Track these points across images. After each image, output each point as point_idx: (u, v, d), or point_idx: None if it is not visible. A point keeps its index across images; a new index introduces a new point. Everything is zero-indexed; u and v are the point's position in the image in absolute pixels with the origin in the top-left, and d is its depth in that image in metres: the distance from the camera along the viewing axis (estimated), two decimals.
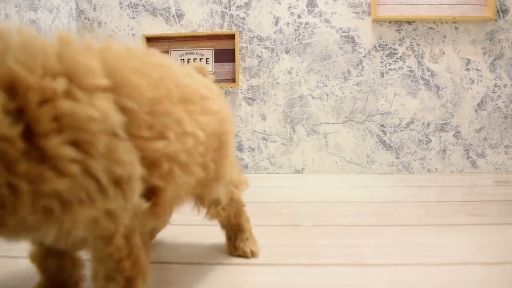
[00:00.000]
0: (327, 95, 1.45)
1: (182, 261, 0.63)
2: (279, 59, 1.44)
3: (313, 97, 1.45)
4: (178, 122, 0.43)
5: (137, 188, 0.38)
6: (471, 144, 1.46)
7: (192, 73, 0.54)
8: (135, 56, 0.43)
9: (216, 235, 0.70)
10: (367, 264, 0.60)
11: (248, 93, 1.45)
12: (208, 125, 0.49)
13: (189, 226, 0.80)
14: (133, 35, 1.48)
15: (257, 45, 1.45)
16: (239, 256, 0.65)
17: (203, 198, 0.57)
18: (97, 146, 0.34)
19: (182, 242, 0.73)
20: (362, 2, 1.42)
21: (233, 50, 1.43)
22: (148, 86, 0.41)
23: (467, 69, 1.44)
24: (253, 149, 1.47)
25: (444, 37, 1.43)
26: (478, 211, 0.92)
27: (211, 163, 0.52)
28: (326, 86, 1.44)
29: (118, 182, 0.36)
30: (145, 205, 0.41)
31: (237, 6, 1.44)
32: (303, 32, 1.44)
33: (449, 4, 1.41)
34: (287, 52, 1.44)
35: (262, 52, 1.44)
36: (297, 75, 1.44)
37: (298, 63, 1.44)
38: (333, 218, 0.87)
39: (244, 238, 0.66)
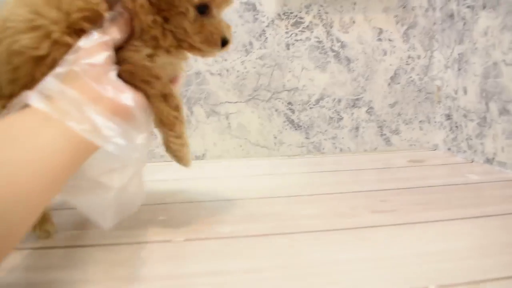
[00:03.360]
0: (227, 70, 1.28)
1: None
2: None
3: (211, 74, 1.28)
4: None
5: None
6: (384, 121, 1.36)
7: None
8: None
9: None
10: None
11: None
12: None
13: None
14: None
15: None
16: None
17: None
18: None
19: None
20: None
21: None
22: None
23: (379, 39, 1.33)
24: None
25: (355, 4, 1.30)
26: (385, 204, 0.81)
27: None
28: (225, 60, 1.27)
29: None
30: None
31: None
32: None
33: None
34: None
35: None
36: None
37: None
38: (216, 226, 0.71)
39: None
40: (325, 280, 0.51)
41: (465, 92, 1.21)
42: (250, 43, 1.28)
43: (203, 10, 0.60)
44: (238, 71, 1.28)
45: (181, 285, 0.51)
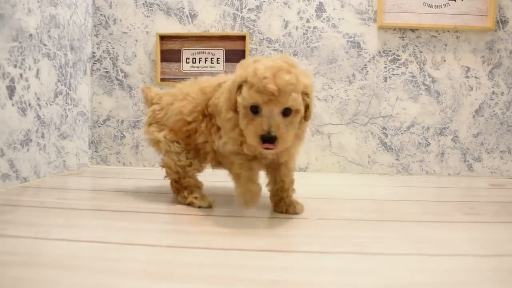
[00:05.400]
0: (332, 97, 1.51)
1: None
2: None
3: (318, 99, 1.51)
4: None
5: None
6: (468, 148, 1.53)
7: None
8: None
9: None
10: (371, 253, 0.66)
11: None
12: None
13: None
14: (147, 33, 1.53)
15: (267, 47, 1.50)
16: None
17: None
18: None
19: None
20: (369, 9, 1.49)
21: (244, 51, 1.49)
22: None
23: (467, 77, 1.51)
24: None
25: (446, 45, 1.50)
26: (474, 210, 0.98)
27: None
28: (331, 88, 1.51)
29: None
30: None
31: (249, 9, 1.50)
32: (311, 36, 1.50)
33: (451, 14, 1.47)
34: (295, 54, 1.50)
35: (271, 54, 1.50)
36: None
37: (306, 65, 1.50)
38: (337, 213, 0.92)
39: None
40: (432, 246, 0.70)
41: None
42: (353, 75, 1.50)
43: (255, 110, 0.74)
44: (341, 98, 1.51)
45: (316, 241, 0.72)
